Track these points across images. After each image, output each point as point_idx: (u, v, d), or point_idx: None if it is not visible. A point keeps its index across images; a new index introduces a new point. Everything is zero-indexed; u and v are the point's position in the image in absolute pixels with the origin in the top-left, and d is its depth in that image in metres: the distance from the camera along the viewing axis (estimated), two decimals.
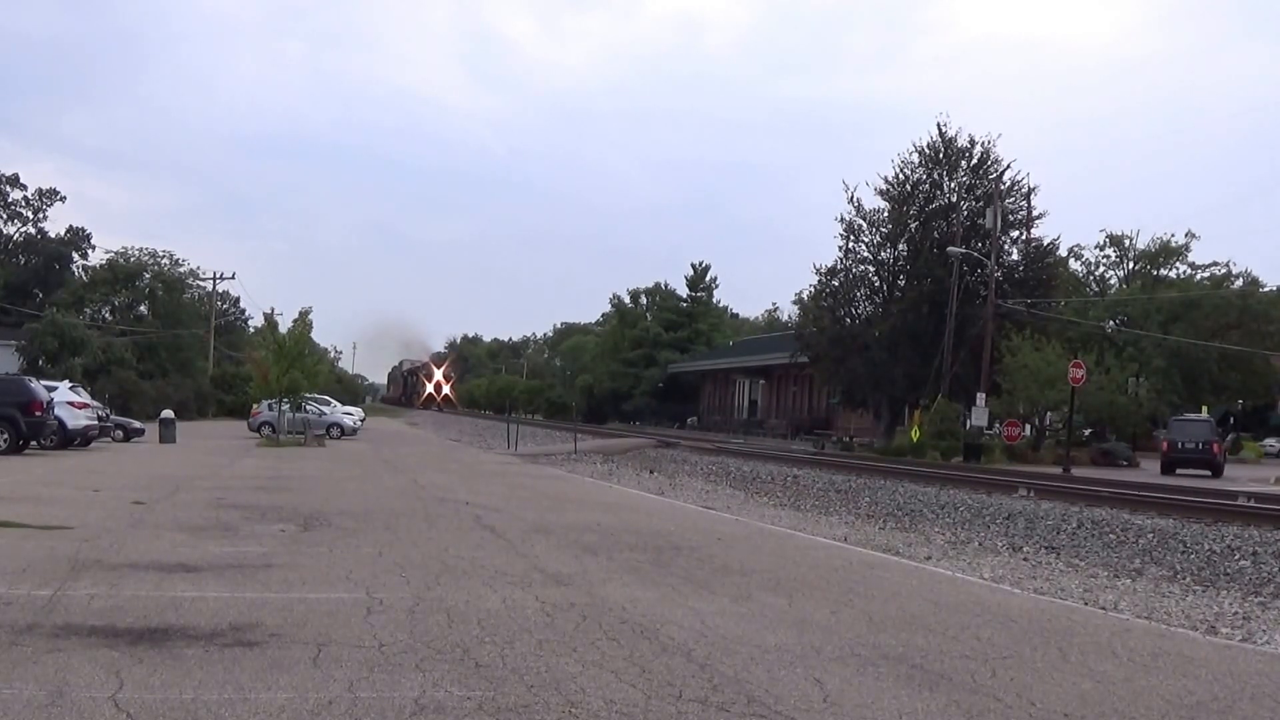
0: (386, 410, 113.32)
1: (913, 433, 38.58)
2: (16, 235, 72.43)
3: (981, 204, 43.02)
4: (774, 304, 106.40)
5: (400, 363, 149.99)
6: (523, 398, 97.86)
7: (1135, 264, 55.83)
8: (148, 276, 63.31)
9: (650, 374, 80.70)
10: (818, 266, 47.06)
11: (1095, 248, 56.17)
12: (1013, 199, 43.53)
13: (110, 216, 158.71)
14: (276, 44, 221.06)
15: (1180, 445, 31.28)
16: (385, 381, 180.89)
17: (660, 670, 5.27)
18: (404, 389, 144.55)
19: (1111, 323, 50.36)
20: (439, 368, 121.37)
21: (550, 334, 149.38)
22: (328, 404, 42.25)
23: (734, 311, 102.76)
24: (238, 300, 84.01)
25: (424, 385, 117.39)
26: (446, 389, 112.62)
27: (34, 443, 22.73)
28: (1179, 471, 30.34)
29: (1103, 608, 8.33)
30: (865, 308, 46.56)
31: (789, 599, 7.55)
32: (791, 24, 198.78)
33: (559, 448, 34.23)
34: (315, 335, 38.65)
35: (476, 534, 10.79)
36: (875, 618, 6.97)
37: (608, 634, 6.06)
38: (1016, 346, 37.42)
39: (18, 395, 22.15)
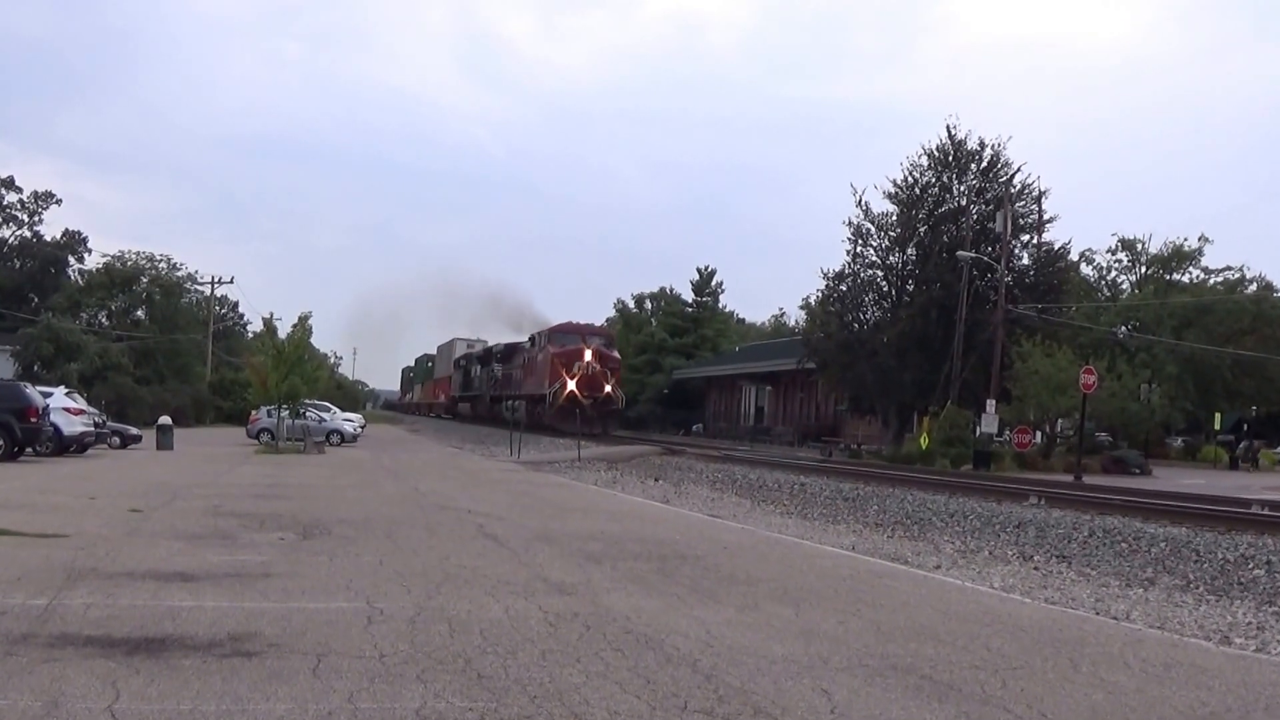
0: (388, 417, 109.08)
1: (921, 440, 38.39)
2: (12, 239, 71.93)
3: (991, 208, 42.74)
4: (780, 309, 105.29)
5: (446, 345, 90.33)
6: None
7: (1147, 268, 55.26)
8: (145, 281, 63.03)
9: (655, 380, 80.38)
10: (825, 271, 46.83)
11: (1107, 252, 55.43)
12: (1023, 202, 43.28)
13: (107, 220, 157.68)
14: (272, 45, 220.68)
15: None
16: (399, 383, 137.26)
17: (665, 681, 5.20)
18: (463, 385, 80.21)
19: (1123, 328, 49.99)
20: (589, 345, 55.17)
21: None
22: (327, 410, 42.19)
23: (740, 317, 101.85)
24: (236, 305, 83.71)
25: (559, 378, 53.43)
26: (609, 385, 54.08)
27: (29, 449, 22.64)
28: None
29: (1115, 617, 8.24)
30: (873, 313, 46.34)
31: (796, 609, 7.47)
32: (793, 24, 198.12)
33: (563, 455, 34.14)
34: (314, 340, 38.54)
35: (478, 542, 10.72)
36: (883, 627, 6.89)
37: (612, 644, 6.00)
38: (1027, 352, 37.22)
39: (13, 401, 22.03)
